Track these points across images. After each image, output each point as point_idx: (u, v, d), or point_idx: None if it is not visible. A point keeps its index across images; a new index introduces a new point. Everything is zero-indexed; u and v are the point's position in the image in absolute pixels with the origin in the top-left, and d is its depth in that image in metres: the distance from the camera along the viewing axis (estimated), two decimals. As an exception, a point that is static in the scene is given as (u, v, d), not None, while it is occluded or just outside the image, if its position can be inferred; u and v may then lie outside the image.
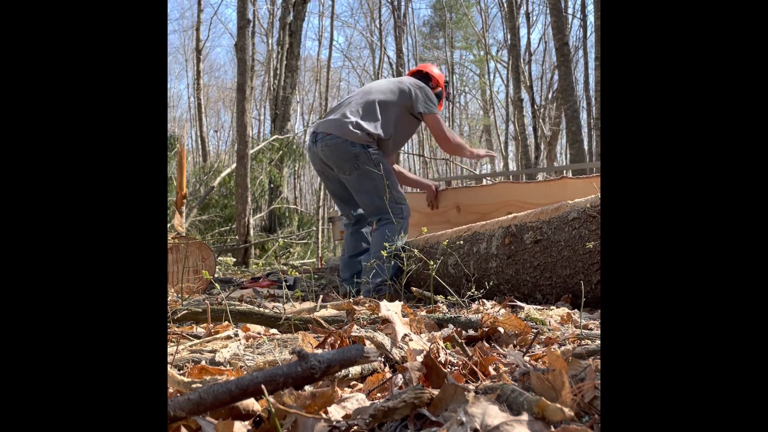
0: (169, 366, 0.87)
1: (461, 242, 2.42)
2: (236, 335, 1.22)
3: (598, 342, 1.05)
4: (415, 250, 2.28)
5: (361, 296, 2.38)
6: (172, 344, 1.08)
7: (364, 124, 2.66)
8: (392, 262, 2.47)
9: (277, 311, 1.51)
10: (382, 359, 0.95)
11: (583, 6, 12.34)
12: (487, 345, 1.09)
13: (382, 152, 2.75)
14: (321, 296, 2.09)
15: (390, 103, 2.77)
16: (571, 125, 6.11)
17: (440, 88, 3.06)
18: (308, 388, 0.69)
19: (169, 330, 1.30)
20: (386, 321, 1.19)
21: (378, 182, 2.63)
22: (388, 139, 2.76)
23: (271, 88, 12.25)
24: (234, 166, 7.37)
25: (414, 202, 3.56)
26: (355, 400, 0.70)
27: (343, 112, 2.72)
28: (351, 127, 2.64)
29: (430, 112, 2.82)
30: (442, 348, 0.96)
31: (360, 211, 2.91)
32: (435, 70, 3.12)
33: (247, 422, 0.63)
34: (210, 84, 25.95)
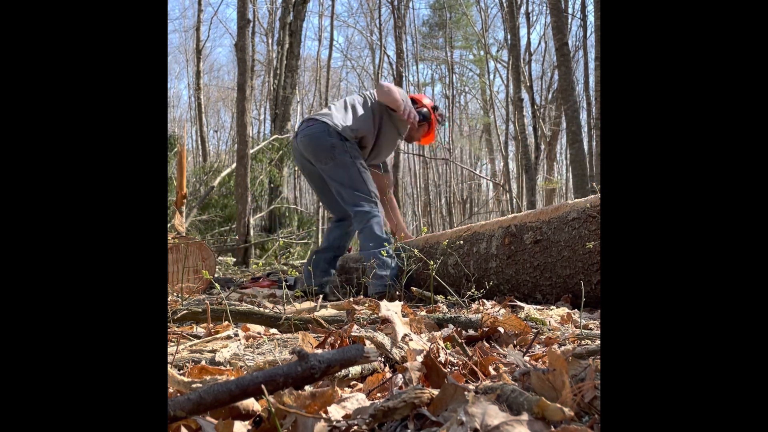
0: (169, 366, 0.87)
1: (461, 242, 2.42)
2: (236, 335, 1.22)
3: (598, 342, 1.05)
4: (415, 250, 2.28)
5: (369, 296, 2.44)
6: (172, 344, 1.08)
7: (340, 115, 2.80)
8: (394, 263, 2.51)
9: (277, 311, 1.51)
10: (382, 359, 0.95)
11: (583, 6, 12.32)
12: (487, 345, 1.09)
13: (360, 152, 2.85)
14: (320, 296, 2.08)
15: (366, 100, 2.89)
16: (571, 125, 6.10)
17: (422, 107, 3.09)
18: (308, 388, 0.69)
19: (169, 330, 1.30)
20: (386, 321, 1.19)
21: (352, 174, 2.72)
22: (364, 136, 2.85)
23: (271, 88, 12.25)
24: (234, 166, 7.37)
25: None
26: (355, 400, 0.70)
27: (324, 110, 2.89)
28: (327, 117, 2.78)
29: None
30: (442, 348, 0.96)
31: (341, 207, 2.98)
32: (415, 94, 3.24)
33: (247, 422, 0.63)
34: (210, 84, 25.95)
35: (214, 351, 1.02)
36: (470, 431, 0.50)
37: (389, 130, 2.94)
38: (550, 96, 15.96)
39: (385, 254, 2.57)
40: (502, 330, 1.20)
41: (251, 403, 0.65)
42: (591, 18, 11.05)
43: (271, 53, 15.15)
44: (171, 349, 1.02)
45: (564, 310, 1.54)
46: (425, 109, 3.05)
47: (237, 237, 6.70)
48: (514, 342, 1.14)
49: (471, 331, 1.23)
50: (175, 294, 2.21)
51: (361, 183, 2.73)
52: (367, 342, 0.99)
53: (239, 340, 1.16)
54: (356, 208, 2.72)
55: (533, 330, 1.22)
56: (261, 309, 1.57)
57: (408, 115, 2.78)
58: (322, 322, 1.34)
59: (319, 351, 0.79)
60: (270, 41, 16.05)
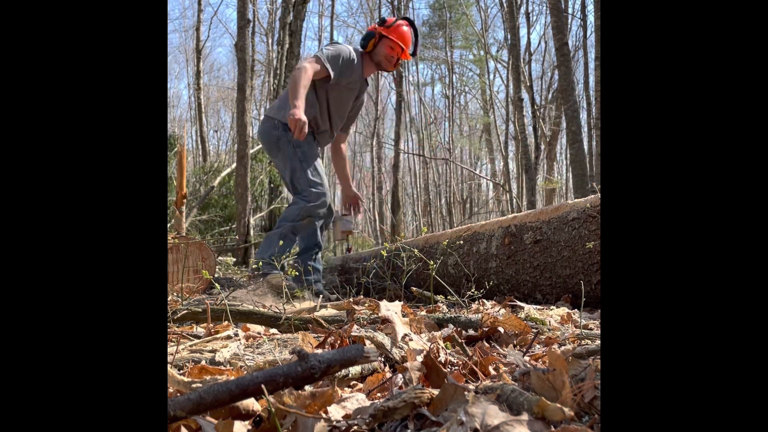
0: (169, 366, 0.87)
1: (461, 242, 2.42)
2: (236, 335, 1.22)
3: (598, 342, 1.05)
4: (415, 250, 2.28)
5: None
6: (172, 344, 1.08)
7: (285, 105, 2.76)
8: (280, 242, 2.59)
9: (277, 311, 1.51)
10: (382, 359, 0.95)
11: (583, 6, 12.33)
12: (487, 345, 1.09)
13: (320, 133, 2.88)
14: (321, 297, 2.08)
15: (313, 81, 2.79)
16: (571, 125, 6.10)
17: (371, 29, 2.93)
18: (308, 388, 0.69)
19: (169, 330, 1.30)
20: (386, 321, 1.19)
21: (294, 164, 2.77)
22: (313, 117, 2.83)
23: (271, 88, 12.24)
24: (234, 166, 7.37)
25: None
26: (355, 400, 0.70)
27: (275, 101, 2.92)
28: (273, 111, 2.83)
29: (314, 54, 2.82)
30: (442, 348, 0.96)
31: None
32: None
33: (247, 422, 0.63)
34: (210, 84, 25.93)
35: (214, 351, 1.02)
36: (470, 431, 0.50)
37: (337, 95, 2.88)
38: (550, 96, 15.96)
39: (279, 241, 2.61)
40: (502, 330, 1.20)
41: (251, 403, 0.65)
42: (591, 18, 11.06)
43: (271, 53, 15.15)
44: (171, 349, 1.02)
45: (564, 310, 1.54)
46: (371, 30, 2.92)
47: (237, 237, 6.70)
48: (514, 342, 1.14)
49: (471, 331, 1.23)
50: (175, 294, 2.21)
51: (301, 172, 2.75)
52: (367, 342, 0.99)
53: (239, 340, 1.16)
54: (294, 198, 2.81)
55: (533, 330, 1.22)
56: (261, 309, 1.57)
57: (290, 116, 2.54)
58: (322, 322, 1.34)
59: (319, 351, 0.79)
60: (270, 41, 16.04)
